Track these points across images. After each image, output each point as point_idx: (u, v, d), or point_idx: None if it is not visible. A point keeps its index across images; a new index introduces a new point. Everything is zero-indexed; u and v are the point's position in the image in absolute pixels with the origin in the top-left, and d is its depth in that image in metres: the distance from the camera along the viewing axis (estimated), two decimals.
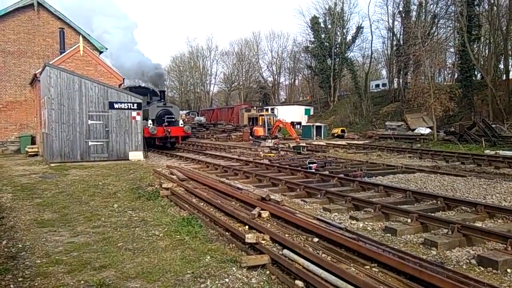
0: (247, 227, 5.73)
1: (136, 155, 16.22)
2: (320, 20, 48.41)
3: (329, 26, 47.53)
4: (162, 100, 22.39)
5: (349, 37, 48.02)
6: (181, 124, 21.95)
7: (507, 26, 30.18)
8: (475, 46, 32.60)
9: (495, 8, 30.92)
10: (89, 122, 15.50)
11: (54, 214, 7.28)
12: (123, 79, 21.59)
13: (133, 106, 16.27)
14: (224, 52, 67.42)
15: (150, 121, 20.20)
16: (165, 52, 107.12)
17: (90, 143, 15.55)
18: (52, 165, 14.43)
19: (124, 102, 16.08)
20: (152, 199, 8.48)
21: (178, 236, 5.77)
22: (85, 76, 16.31)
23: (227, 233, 5.72)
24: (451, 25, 36.67)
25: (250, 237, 4.93)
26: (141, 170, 12.72)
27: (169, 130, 20.25)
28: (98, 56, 21.54)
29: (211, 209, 7.04)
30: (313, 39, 49.00)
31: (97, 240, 5.69)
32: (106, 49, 24.14)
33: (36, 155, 19.00)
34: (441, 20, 38.03)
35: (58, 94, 15.05)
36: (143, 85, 29.12)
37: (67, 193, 9.31)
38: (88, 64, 19.45)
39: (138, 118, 16.41)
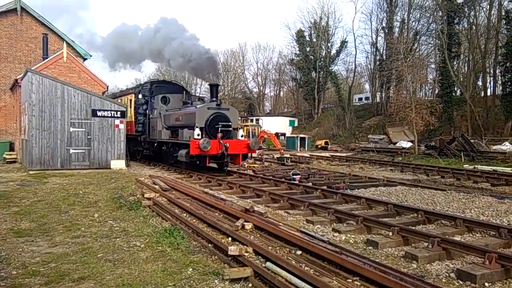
0: (230, 239, 5.70)
1: (118, 164, 16.00)
2: (306, 34, 49.17)
3: (314, 40, 48.26)
4: (215, 99, 14.87)
5: (333, 51, 48.86)
6: (241, 135, 15.03)
7: (485, 45, 31.26)
8: (455, 63, 33.57)
9: (474, 27, 32.00)
10: (71, 129, 15.24)
11: (32, 223, 7.09)
12: (107, 86, 21.32)
13: (116, 114, 16.08)
14: None
15: (197, 130, 13.62)
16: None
17: (71, 151, 15.26)
18: (31, 172, 14.09)
19: (108, 110, 15.89)
20: (134, 209, 8.35)
21: (160, 248, 5.69)
22: (68, 83, 16.09)
23: (209, 244, 5.67)
24: (432, 42, 37.82)
25: (233, 249, 4.91)
26: (123, 179, 12.54)
27: (227, 145, 13.64)
28: (82, 63, 21.30)
29: (194, 220, 6.99)
30: (298, 52, 49.65)
31: (76, 251, 5.56)
32: (91, 56, 23.91)
33: (15, 162, 18.53)
34: (422, 37, 39.23)
35: (40, 101, 14.78)
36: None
37: (46, 201, 9.09)
38: (72, 71, 19.20)
39: (122, 126, 16.22)
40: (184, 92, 18.19)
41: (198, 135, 13.56)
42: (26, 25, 22.31)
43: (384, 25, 42.07)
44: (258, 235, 5.71)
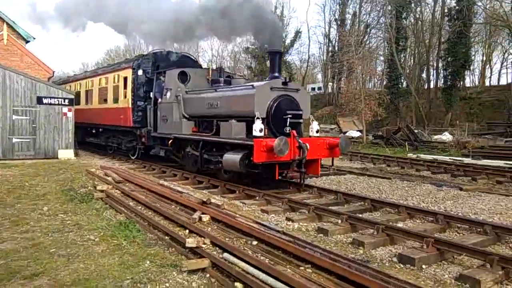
0: (187, 231, 5.78)
1: (66, 154, 15.35)
2: None
3: None
4: (278, 76, 9.84)
5: (288, 41, 49.35)
6: (317, 129, 10.52)
7: (429, 40, 33.10)
8: (402, 56, 35.24)
9: (419, 22, 33.74)
10: (14, 117, 14.38)
11: None
12: (53, 71, 20.20)
13: (64, 101, 15.36)
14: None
15: (258, 123, 8.81)
16: (99, 46, 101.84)
17: (14, 140, 14.43)
18: None
19: (54, 97, 15.13)
20: (86, 201, 8.16)
21: (115, 241, 5.65)
22: (9, 68, 15.10)
23: (166, 237, 5.72)
24: (381, 35, 39.32)
25: (190, 241, 5.00)
26: (72, 170, 12.10)
27: (307, 145, 8.82)
28: (24, 45, 20.00)
29: (150, 212, 6.97)
30: (253, 41, 49.60)
31: (27, 247, 5.39)
32: (34, 38, 22.44)
33: None
34: (373, 30, 40.65)
35: None
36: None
37: None
38: (13, 55, 18.03)
39: (70, 114, 15.53)
40: (207, 69, 12.90)
41: (261, 130, 8.81)
42: None
43: (336, 17, 43.13)
44: (216, 227, 5.84)
